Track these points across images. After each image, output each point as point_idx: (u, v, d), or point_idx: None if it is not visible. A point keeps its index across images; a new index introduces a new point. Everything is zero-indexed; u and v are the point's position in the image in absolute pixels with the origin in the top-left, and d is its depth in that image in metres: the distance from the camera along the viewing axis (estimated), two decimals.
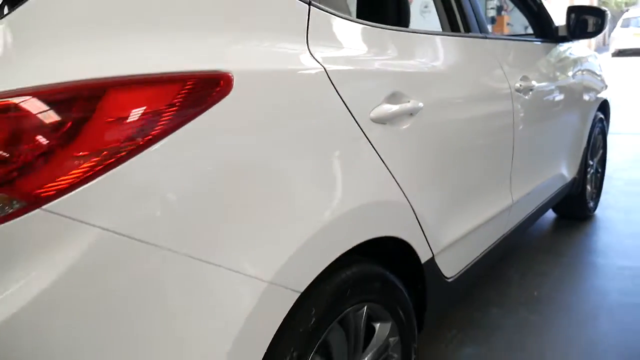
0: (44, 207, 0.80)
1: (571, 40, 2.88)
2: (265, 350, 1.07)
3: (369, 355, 1.45)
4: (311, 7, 1.27)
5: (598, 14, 2.71)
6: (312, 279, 1.14)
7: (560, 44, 2.81)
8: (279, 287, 1.06)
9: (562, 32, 2.75)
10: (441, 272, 1.72)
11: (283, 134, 1.11)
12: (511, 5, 2.55)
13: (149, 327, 0.91)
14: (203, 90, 0.96)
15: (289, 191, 1.11)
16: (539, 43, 2.66)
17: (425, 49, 1.71)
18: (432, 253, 1.63)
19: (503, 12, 8.31)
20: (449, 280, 1.79)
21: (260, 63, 1.10)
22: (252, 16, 1.15)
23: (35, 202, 0.80)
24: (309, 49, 1.22)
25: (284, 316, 1.10)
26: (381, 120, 1.35)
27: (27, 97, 0.80)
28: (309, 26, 1.25)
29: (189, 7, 1.03)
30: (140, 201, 0.88)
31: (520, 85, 2.18)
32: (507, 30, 6.77)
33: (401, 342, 1.54)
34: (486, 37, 2.14)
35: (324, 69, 1.22)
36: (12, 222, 0.79)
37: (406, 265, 1.57)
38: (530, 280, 2.79)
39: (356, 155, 1.29)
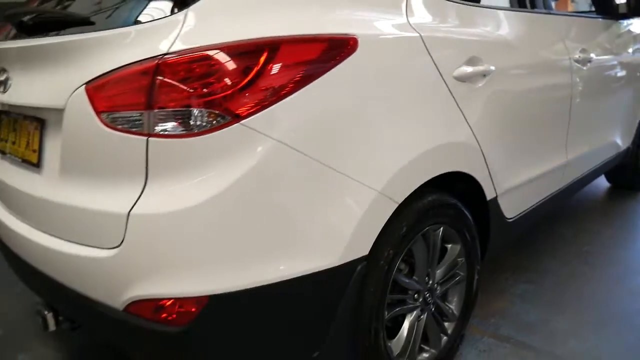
0: (242, 122, 1.20)
1: (631, 17, 3.09)
2: (372, 244, 1.45)
3: (441, 269, 1.82)
4: None
5: None
6: (407, 195, 1.51)
7: (621, 20, 3.03)
8: (384, 197, 1.43)
9: (623, 10, 2.96)
10: (502, 212, 2.05)
11: (390, 83, 1.47)
12: None
13: (298, 213, 1.30)
14: (339, 47, 1.33)
15: (395, 127, 1.47)
16: (599, 19, 2.89)
17: (496, 22, 2.01)
18: (496, 193, 1.96)
19: None
20: (509, 220, 2.12)
21: (374, 29, 1.46)
22: None
23: (235, 117, 1.19)
24: (407, 20, 1.57)
25: (386, 220, 1.47)
26: (462, 79, 1.69)
27: (233, 49, 1.20)
28: (407, 3, 1.60)
29: None
30: (301, 123, 1.27)
31: (579, 57, 2.45)
32: (571, 7, 6.89)
33: (467, 263, 1.89)
34: (549, 13, 2.42)
35: (420, 35, 1.56)
36: (219, 131, 1.19)
37: (475, 202, 1.91)
38: (582, 238, 3.07)
39: (442, 104, 1.64)
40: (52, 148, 1.47)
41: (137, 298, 1.29)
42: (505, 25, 2.06)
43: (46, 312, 1.73)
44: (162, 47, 1.20)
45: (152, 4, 1.32)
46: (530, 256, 2.82)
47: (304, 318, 1.40)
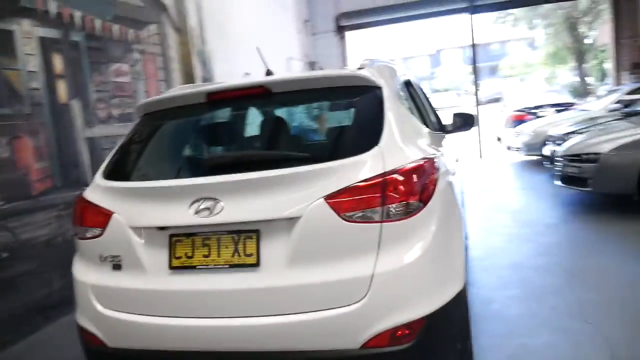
0: (426, 206, 2.06)
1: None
2: None
3: None
4: None
5: (469, 116, 4.50)
6: None
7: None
8: None
9: (449, 127, 4.51)
10: None
11: None
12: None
13: (455, 255, 2.19)
14: None
15: None
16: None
17: None
18: None
19: None
20: None
21: None
22: None
23: (424, 204, 2.05)
24: None
25: None
26: None
27: (413, 168, 2.08)
28: None
29: None
30: (441, 202, 2.18)
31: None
32: None
33: None
34: None
35: None
36: (419, 213, 2.03)
37: None
38: None
39: None
40: (271, 249, 2.04)
41: (376, 333, 1.96)
42: None
43: None
44: (379, 169, 2.01)
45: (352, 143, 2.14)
46: None
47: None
